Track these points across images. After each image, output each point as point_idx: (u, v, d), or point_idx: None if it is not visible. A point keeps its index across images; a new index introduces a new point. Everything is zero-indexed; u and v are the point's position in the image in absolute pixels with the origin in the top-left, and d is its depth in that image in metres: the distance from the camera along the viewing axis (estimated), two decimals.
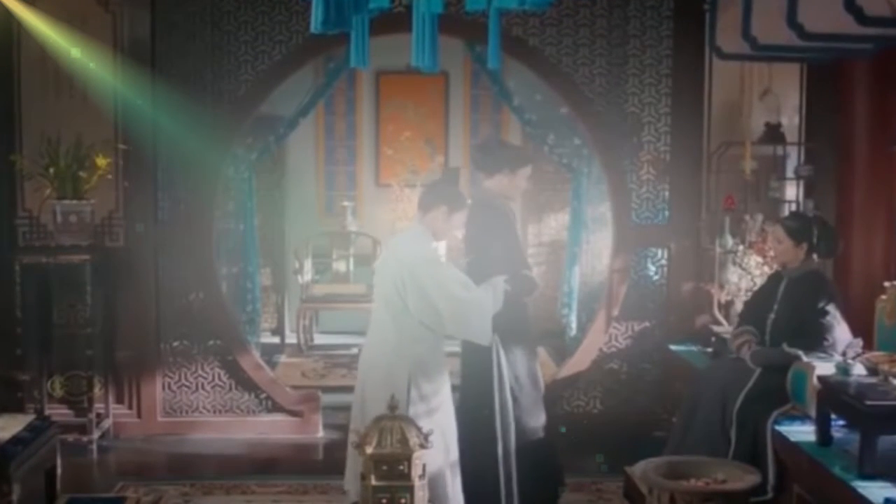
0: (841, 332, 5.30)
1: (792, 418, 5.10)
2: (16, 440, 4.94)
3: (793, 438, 4.90)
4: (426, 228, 5.17)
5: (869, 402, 4.36)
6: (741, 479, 4.60)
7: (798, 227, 5.51)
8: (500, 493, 5.27)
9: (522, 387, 5.40)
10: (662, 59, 7.17)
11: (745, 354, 5.49)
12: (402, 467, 4.21)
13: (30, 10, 6.76)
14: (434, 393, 5.01)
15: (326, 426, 7.35)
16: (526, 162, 5.51)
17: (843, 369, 4.78)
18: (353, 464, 4.85)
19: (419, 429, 4.31)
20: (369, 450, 4.20)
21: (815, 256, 5.53)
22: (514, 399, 5.34)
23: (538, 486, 5.42)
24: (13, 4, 6.66)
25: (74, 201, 6.76)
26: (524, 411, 5.40)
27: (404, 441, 4.21)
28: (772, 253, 6.51)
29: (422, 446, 4.25)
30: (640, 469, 4.81)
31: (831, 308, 5.30)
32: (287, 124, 7.62)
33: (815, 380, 4.88)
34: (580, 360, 7.40)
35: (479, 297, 5.01)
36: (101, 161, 6.74)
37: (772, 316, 5.56)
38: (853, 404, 4.47)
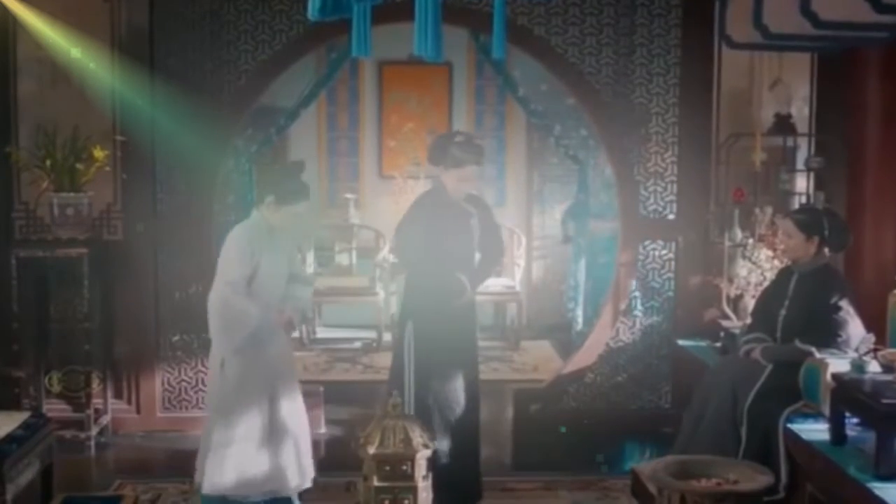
0: (854, 327, 5.20)
1: (804, 416, 5.01)
2: (10, 438, 4.88)
3: (805, 437, 4.81)
4: (260, 216, 5.27)
5: (885, 401, 4.26)
6: (753, 479, 4.49)
7: (809, 221, 5.40)
8: None
9: (431, 393, 5.35)
10: (671, 49, 7.06)
11: (755, 353, 5.38)
12: (405, 467, 4.13)
13: (26, 1, 6.67)
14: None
15: (329, 422, 7.25)
16: (464, 162, 5.38)
17: (858, 367, 4.68)
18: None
19: (422, 428, 4.22)
20: (372, 450, 4.11)
21: (826, 250, 5.41)
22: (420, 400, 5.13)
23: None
24: None
25: (72, 194, 6.67)
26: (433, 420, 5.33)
27: (408, 441, 4.13)
28: (782, 247, 6.42)
29: (426, 446, 4.16)
30: (650, 469, 4.72)
31: (844, 303, 5.19)
32: (288, 115, 7.54)
33: (828, 377, 4.79)
34: (586, 355, 7.30)
35: (231, 302, 5.07)
36: (99, 153, 6.64)
37: (783, 312, 5.45)
38: (869, 403, 4.38)
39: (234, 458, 5.12)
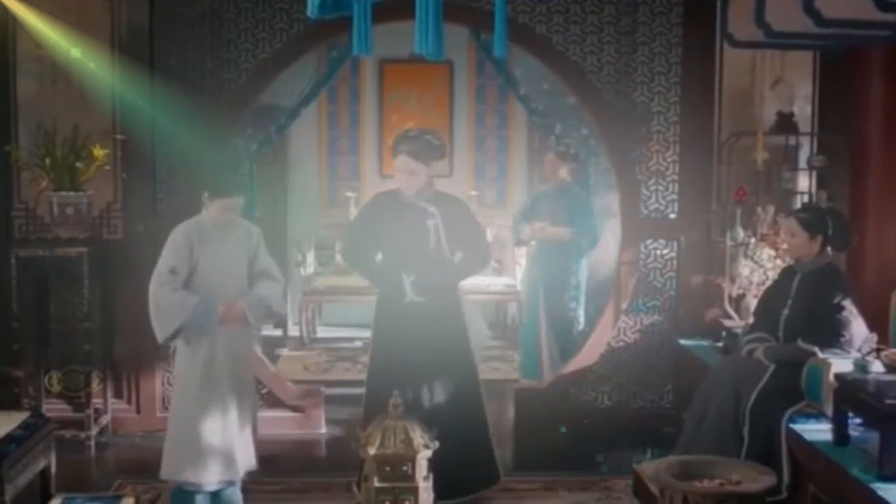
0: (857, 327, 5.17)
1: (807, 416, 4.99)
2: (9, 438, 4.85)
3: (808, 437, 4.79)
4: (205, 212, 5.41)
5: (889, 401, 4.24)
6: (756, 480, 4.47)
7: (812, 220, 5.37)
8: None
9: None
10: (672, 47, 7.03)
11: (758, 353, 5.35)
12: (405, 468, 4.12)
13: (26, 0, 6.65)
14: None
15: (329, 422, 7.23)
16: (395, 153, 5.47)
17: (862, 366, 4.66)
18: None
19: (423, 429, 4.21)
20: (372, 450, 4.10)
21: (829, 250, 5.38)
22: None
23: None
24: None
25: (71, 193, 6.64)
26: None
27: (408, 442, 4.13)
28: (784, 246, 6.40)
29: (426, 447, 4.15)
30: (652, 469, 4.70)
31: (847, 303, 5.17)
32: (289, 114, 7.53)
33: (831, 377, 4.77)
34: (588, 355, 7.28)
35: (157, 294, 5.16)
36: (99, 152, 6.62)
37: (786, 311, 5.42)
38: (872, 403, 4.36)
39: (185, 446, 5.22)
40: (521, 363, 8.39)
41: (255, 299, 5.36)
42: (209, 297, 5.22)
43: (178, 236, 5.30)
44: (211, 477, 5.23)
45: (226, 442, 5.24)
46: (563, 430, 7.00)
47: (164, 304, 5.17)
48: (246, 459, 5.34)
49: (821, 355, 4.99)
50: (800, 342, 5.17)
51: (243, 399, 5.33)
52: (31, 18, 6.65)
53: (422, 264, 5.46)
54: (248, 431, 5.37)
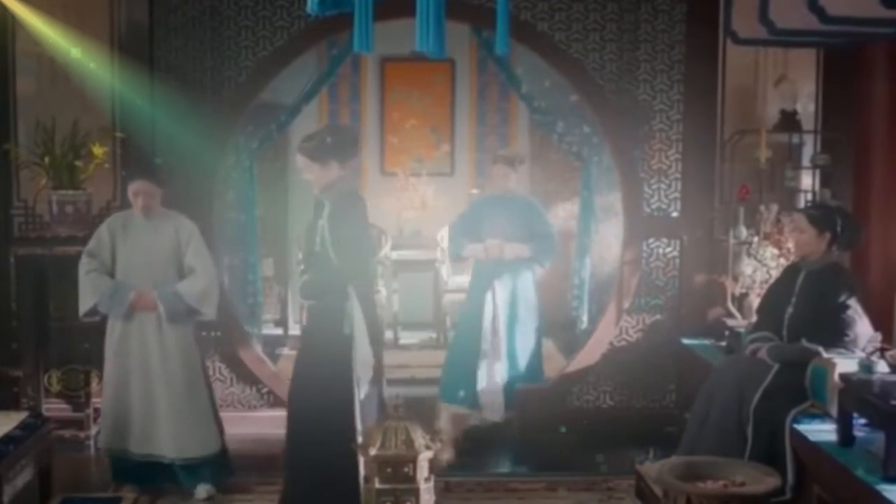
0: (862, 326, 5.14)
1: (811, 416, 4.96)
2: (8, 439, 4.85)
3: (813, 438, 4.76)
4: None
5: (894, 402, 4.21)
6: (761, 481, 4.44)
7: (821, 217, 5.32)
8: None
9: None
10: (675, 45, 7.00)
11: (762, 353, 5.31)
12: (406, 469, 4.08)
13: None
14: None
15: None
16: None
17: (867, 367, 4.62)
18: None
19: (425, 429, 4.18)
20: (373, 451, 4.07)
21: (835, 248, 5.34)
22: None
23: None
24: None
25: (71, 191, 6.61)
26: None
27: (409, 442, 4.09)
28: (788, 244, 6.38)
29: (428, 448, 4.11)
30: (656, 470, 4.67)
31: (852, 302, 5.13)
32: (289, 112, 7.49)
33: (836, 377, 4.74)
34: (590, 354, 7.25)
35: (79, 274, 5.75)
36: (98, 150, 6.58)
37: (790, 310, 5.37)
38: (877, 404, 4.33)
39: (104, 416, 5.80)
40: (443, 384, 7.32)
41: (169, 293, 5.63)
42: (122, 284, 5.67)
43: (102, 224, 5.84)
44: (122, 445, 5.69)
45: (140, 419, 5.66)
46: (564, 430, 6.96)
47: (80, 284, 5.73)
48: (186, 442, 5.65)
49: (825, 355, 4.96)
50: (804, 342, 5.14)
51: (172, 385, 5.64)
52: (30, 17, 6.62)
53: (312, 265, 5.29)
54: (185, 416, 5.66)
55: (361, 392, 5.02)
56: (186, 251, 5.73)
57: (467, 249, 7.28)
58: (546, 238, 7.22)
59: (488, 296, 7.13)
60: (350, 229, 5.14)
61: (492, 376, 7.05)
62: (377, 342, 5.23)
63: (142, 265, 5.70)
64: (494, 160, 7.35)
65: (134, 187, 5.71)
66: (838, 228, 5.26)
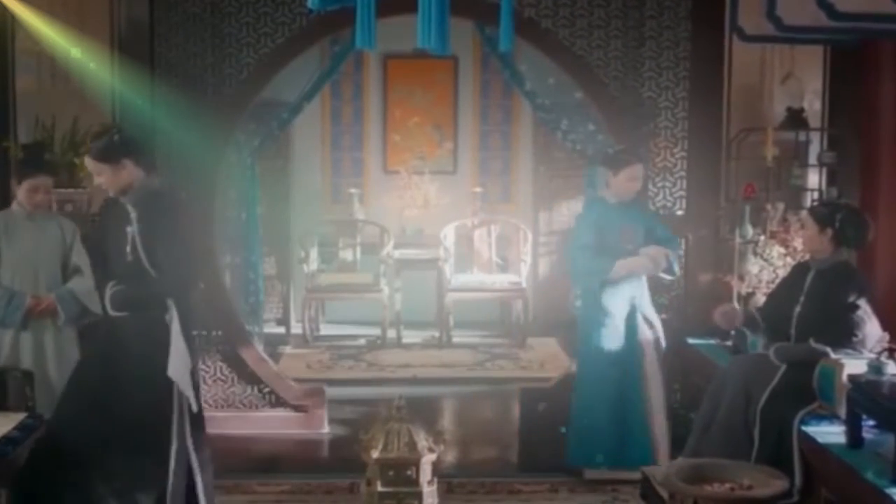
0: (871, 327, 5.08)
1: (819, 418, 4.89)
2: (6, 440, 4.77)
3: (821, 440, 4.69)
4: (15, 202, 5.58)
5: None
6: (768, 484, 4.38)
7: (823, 213, 5.26)
8: None
9: None
10: (680, 42, 6.92)
11: (770, 353, 5.26)
12: (409, 472, 4.03)
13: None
14: None
15: (332, 421, 7.15)
16: None
17: (876, 368, 4.55)
18: None
19: (427, 431, 4.12)
20: (375, 454, 4.01)
21: (843, 247, 5.27)
22: None
23: None
24: None
25: (70, 189, 6.57)
26: None
27: (412, 445, 4.03)
28: (795, 243, 6.34)
29: (431, 450, 4.06)
30: (662, 473, 4.61)
31: (862, 302, 5.06)
32: (291, 109, 7.42)
33: (844, 378, 4.67)
34: None
35: None
36: None
37: (798, 309, 5.30)
38: (887, 405, 4.28)
39: None
40: (573, 441, 6.22)
41: (67, 294, 5.45)
42: (16, 291, 5.37)
43: None
44: None
45: None
46: (563, 430, 6.88)
47: None
48: None
49: (832, 356, 4.90)
50: (812, 342, 5.07)
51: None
52: (29, 17, 6.57)
53: (122, 275, 4.79)
54: None
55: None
56: (71, 251, 5.55)
57: (618, 267, 5.94)
58: (672, 242, 6.19)
59: (638, 320, 6.02)
60: (164, 237, 4.69)
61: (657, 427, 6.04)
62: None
63: (30, 268, 5.44)
64: (625, 161, 6.04)
65: (34, 182, 5.41)
66: (836, 224, 5.18)
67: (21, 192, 5.46)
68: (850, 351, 4.96)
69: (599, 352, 6.01)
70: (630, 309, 6.00)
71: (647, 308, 6.10)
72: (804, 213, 5.46)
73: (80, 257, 5.55)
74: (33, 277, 5.44)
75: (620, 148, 6.41)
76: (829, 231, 5.21)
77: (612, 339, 5.98)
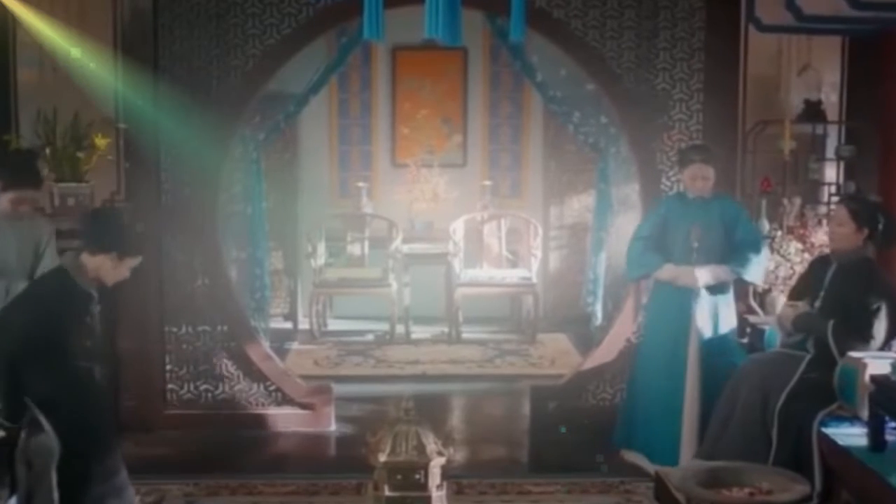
0: (886, 328, 4.95)
1: (839, 419, 4.77)
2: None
3: (841, 442, 4.60)
4: None
5: None
6: (788, 488, 4.25)
7: (863, 212, 5.12)
8: None
9: None
10: (695, 32, 6.77)
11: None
12: (417, 476, 3.91)
13: None
14: None
15: (339, 419, 7.03)
16: None
17: None
18: None
19: (436, 432, 4.00)
20: (382, 457, 3.89)
21: (870, 244, 5.14)
22: None
23: None
24: None
25: (73, 183, 6.52)
26: None
27: (421, 448, 3.91)
28: (812, 239, 6.22)
29: (439, 454, 3.93)
30: (678, 476, 4.49)
31: (883, 301, 4.93)
32: (297, 102, 7.34)
33: (866, 378, 4.55)
34: (607, 351, 7.03)
35: None
36: (101, 141, 6.52)
37: (818, 304, 5.21)
38: None
39: None
40: (619, 421, 6.29)
41: None
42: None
43: None
44: None
45: None
46: (563, 430, 6.77)
47: None
48: None
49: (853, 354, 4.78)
50: (829, 332, 4.98)
51: None
52: (29, 16, 6.50)
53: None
54: None
55: None
56: (45, 253, 5.40)
57: (664, 269, 5.90)
58: (752, 247, 5.85)
59: (690, 327, 5.81)
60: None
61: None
62: None
63: (8, 269, 5.27)
64: (689, 160, 5.97)
65: (20, 195, 5.20)
66: (879, 226, 5.06)
67: (4, 199, 5.18)
68: (859, 345, 4.87)
69: (649, 346, 6.12)
70: (680, 313, 5.80)
71: (704, 319, 5.79)
72: (839, 209, 5.25)
73: (53, 258, 5.36)
74: (11, 277, 5.22)
75: (693, 144, 6.31)
76: (867, 231, 5.09)
77: (660, 337, 5.97)
